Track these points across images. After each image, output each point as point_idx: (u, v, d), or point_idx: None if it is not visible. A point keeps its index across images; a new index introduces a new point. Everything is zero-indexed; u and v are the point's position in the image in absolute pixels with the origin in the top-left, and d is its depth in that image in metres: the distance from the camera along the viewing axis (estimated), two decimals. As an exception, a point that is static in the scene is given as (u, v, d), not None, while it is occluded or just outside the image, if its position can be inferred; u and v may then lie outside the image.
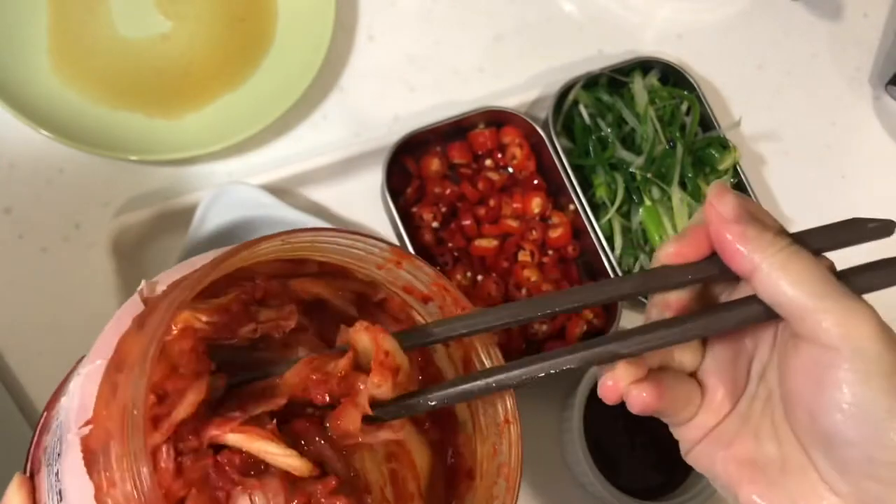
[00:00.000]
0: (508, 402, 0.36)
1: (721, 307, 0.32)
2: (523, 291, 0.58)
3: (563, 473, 0.58)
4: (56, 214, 0.55)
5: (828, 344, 0.28)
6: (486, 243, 0.58)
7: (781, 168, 0.69)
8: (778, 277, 0.29)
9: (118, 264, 0.54)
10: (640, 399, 0.31)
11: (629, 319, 0.61)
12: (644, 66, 0.65)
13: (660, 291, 0.33)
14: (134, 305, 0.31)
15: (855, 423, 0.28)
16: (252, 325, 0.34)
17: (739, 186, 0.63)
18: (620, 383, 0.31)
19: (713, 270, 0.32)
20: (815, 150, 0.71)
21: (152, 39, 0.61)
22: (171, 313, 0.28)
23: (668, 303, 0.33)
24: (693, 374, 0.34)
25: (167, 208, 0.55)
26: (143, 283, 0.32)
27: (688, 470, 0.56)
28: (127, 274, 0.54)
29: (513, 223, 0.59)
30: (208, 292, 0.33)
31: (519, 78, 0.66)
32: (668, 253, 0.32)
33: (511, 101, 0.63)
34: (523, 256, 0.59)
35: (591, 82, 0.63)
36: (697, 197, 0.61)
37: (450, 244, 0.58)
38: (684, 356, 0.34)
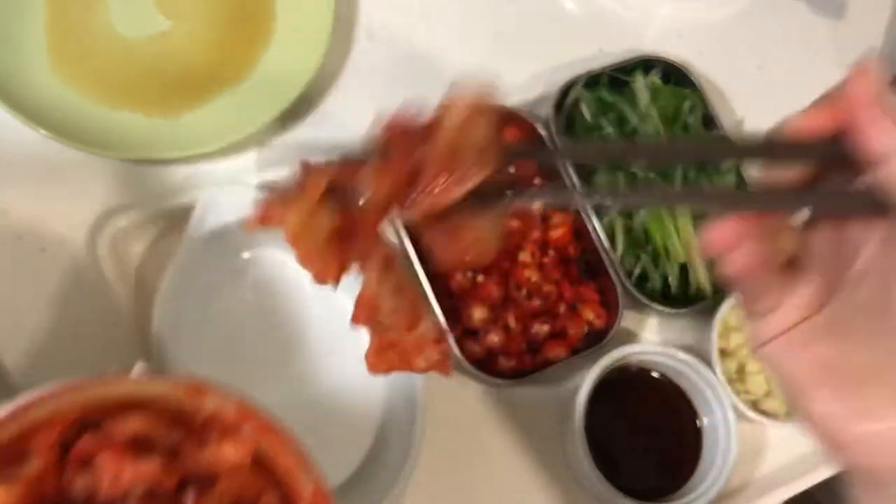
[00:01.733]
0: None
1: (839, 191, 0.30)
2: (524, 292, 0.57)
3: (564, 473, 0.58)
4: (54, 215, 0.55)
5: None
6: (487, 243, 0.58)
7: (783, 167, 0.69)
8: None
9: (116, 265, 0.54)
10: (743, 259, 0.29)
11: (630, 320, 0.61)
12: (646, 64, 0.64)
13: (780, 160, 0.31)
14: None
15: None
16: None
17: (742, 186, 0.63)
18: (731, 234, 0.29)
19: (835, 154, 0.29)
20: (817, 150, 0.71)
21: (151, 38, 0.61)
22: None
23: (784, 177, 0.30)
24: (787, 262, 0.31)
25: (166, 208, 0.55)
26: None
27: (689, 471, 0.56)
28: (125, 275, 0.54)
29: (513, 223, 0.59)
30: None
31: (520, 77, 0.66)
32: (798, 126, 0.29)
33: (512, 100, 0.63)
34: (524, 256, 0.58)
35: (592, 81, 0.63)
36: (699, 196, 0.61)
37: (450, 244, 0.58)
38: (784, 237, 0.31)
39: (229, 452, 0.33)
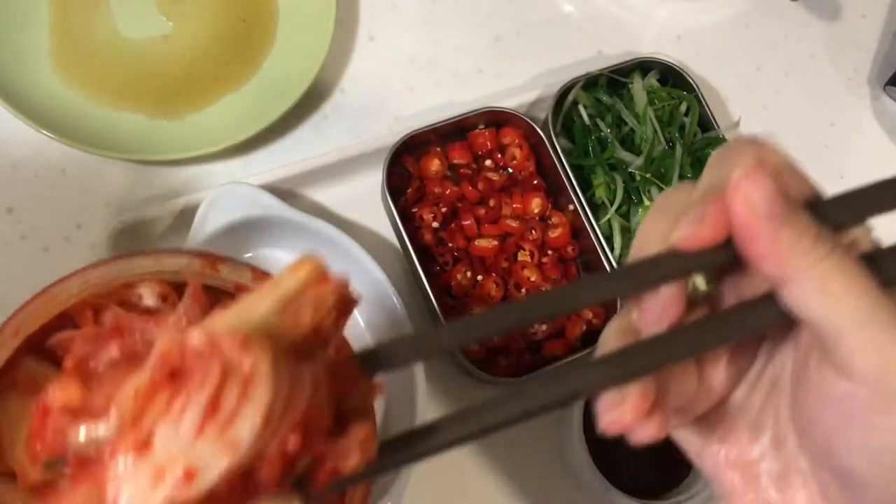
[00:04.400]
0: None
1: (733, 312, 0.26)
2: (523, 291, 0.58)
3: (564, 472, 0.58)
4: (58, 215, 0.55)
5: (862, 381, 0.23)
6: (486, 243, 0.59)
7: (780, 168, 0.69)
8: (811, 294, 0.23)
9: (120, 264, 0.54)
10: (647, 435, 0.25)
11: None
12: (643, 66, 0.65)
13: (665, 282, 0.26)
14: None
15: (883, 470, 0.23)
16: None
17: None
18: (625, 420, 0.25)
19: (726, 258, 0.25)
20: (813, 151, 0.71)
21: (153, 40, 0.61)
22: None
23: (663, 299, 0.26)
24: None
25: (168, 209, 0.55)
26: None
27: (688, 469, 0.57)
28: (128, 274, 0.54)
29: (513, 223, 0.59)
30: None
31: (519, 78, 0.66)
32: (683, 237, 0.25)
33: (511, 102, 0.63)
34: (523, 256, 0.59)
35: (590, 83, 0.63)
36: (696, 197, 0.62)
37: (450, 244, 0.58)
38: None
39: None
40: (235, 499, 0.20)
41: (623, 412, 0.25)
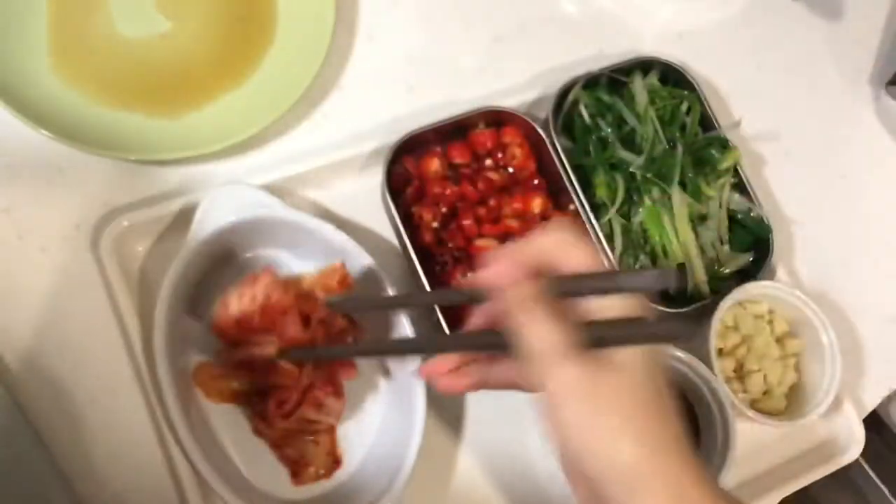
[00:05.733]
0: None
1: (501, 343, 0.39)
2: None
3: (561, 471, 0.58)
4: (56, 214, 0.55)
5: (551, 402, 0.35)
6: (487, 243, 0.58)
7: (781, 168, 0.69)
8: (515, 330, 0.36)
9: (119, 265, 0.54)
10: (443, 385, 0.44)
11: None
12: (644, 65, 0.65)
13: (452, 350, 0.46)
14: None
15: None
16: None
17: (740, 186, 0.63)
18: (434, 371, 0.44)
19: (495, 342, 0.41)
20: (815, 150, 0.71)
21: (152, 39, 0.61)
22: None
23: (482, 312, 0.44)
24: None
25: (167, 209, 0.55)
26: None
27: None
28: (128, 275, 0.54)
29: (513, 223, 0.59)
30: None
31: (519, 78, 0.66)
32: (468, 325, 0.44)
33: (511, 101, 0.63)
34: (523, 256, 0.59)
35: (591, 82, 0.63)
36: (698, 197, 0.62)
37: (450, 244, 0.58)
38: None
39: None
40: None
41: (430, 366, 0.44)
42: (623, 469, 0.33)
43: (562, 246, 0.38)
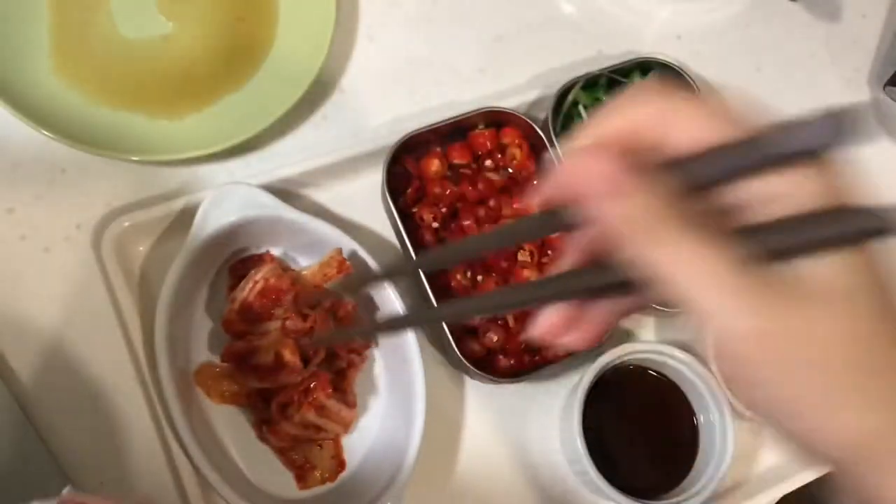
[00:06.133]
0: None
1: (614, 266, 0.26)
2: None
3: (563, 471, 0.58)
4: (58, 215, 0.55)
5: (732, 355, 0.23)
6: (486, 243, 0.59)
7: (780, 168, 0.69)
8: (665, 277, 0.23)
9: (120, 265, 0.54)
10: (570, 341, 0.28)
11: (628, 319, 0.62)
12: (643, 66, 0.65)
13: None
14: None
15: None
16: None
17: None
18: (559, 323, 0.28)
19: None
20: (813, 151, 0.71)
21: (153, 40, 0.61)
22: None
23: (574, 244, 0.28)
24: None
25: (169, 209, 0.55)
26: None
27: (686, 468, 0.57)
28: (129, 275, 0.55)
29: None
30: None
31: (519, 78, 0.66)
32: (537, 199, 0.27)
33: (511, 102, 0.63)
34: (523, 256, 0.59)
35: (590, 83, 0.63)
36: (696, 197, 0.62)
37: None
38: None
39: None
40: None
41: (539, 325, 0.28)
42: (857, 442, 0.23)
43: (668, 114, 0.24)
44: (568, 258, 0.29)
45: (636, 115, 0.25)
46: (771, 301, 0.22)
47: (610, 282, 0.26)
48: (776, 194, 0.23)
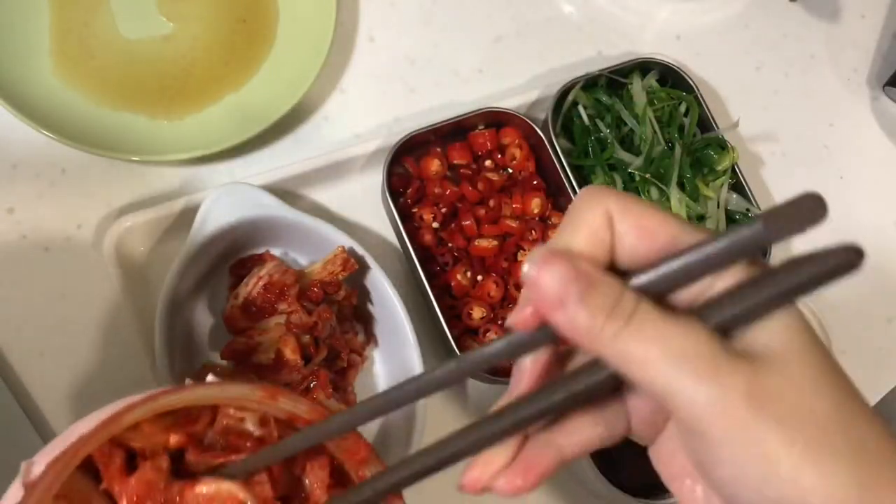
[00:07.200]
0: None
1: (567, 378, 0.26)
2: (522, 291, 0.58)
3: (563, 471, 0.58)
4: (58, 215, 0.56)
5: (692, 429, 0.24)
6: (486, 243, 0.59)
7: (779, 169, 0.70)
8: (622, 365, 0.24)
9: (120, 265, 0.54)
10: (504, 487, 0.28)
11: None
12: (643, 67, 0.65)
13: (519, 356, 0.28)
14: (15, 491, 0.30)
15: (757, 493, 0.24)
16: None
17: (737, 187, 0.64)
18: (482, 479, 0.29)
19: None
20: (812, 151, 0.72)
21: (154, 41, 0.61)
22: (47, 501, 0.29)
23: (523, 369, 0.28)
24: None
25: (169, 209, 0.55)
26: (22, 465, 0.31)
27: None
28: (129, 274, 0.55)
29: (512, 223, 0.59)
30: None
31: (518, 79, 0.66)
32: (514, 322, 0.26)
33: (511, 102, 0.63)
34: (523, 257, 0.59)
35: (590, 83, 0.63)
36: (696, 197, 0.62)
37: (450, 244, 0.59)
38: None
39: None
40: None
41: (471, 476, 0.30)
42: None
43: (617, 219, 0.26)
44: (524, 385, 0.28)
45: (588, 225, 0.26)
46: (725, 370, 0.23)
47: (574, 393, 0.26)
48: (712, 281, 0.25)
